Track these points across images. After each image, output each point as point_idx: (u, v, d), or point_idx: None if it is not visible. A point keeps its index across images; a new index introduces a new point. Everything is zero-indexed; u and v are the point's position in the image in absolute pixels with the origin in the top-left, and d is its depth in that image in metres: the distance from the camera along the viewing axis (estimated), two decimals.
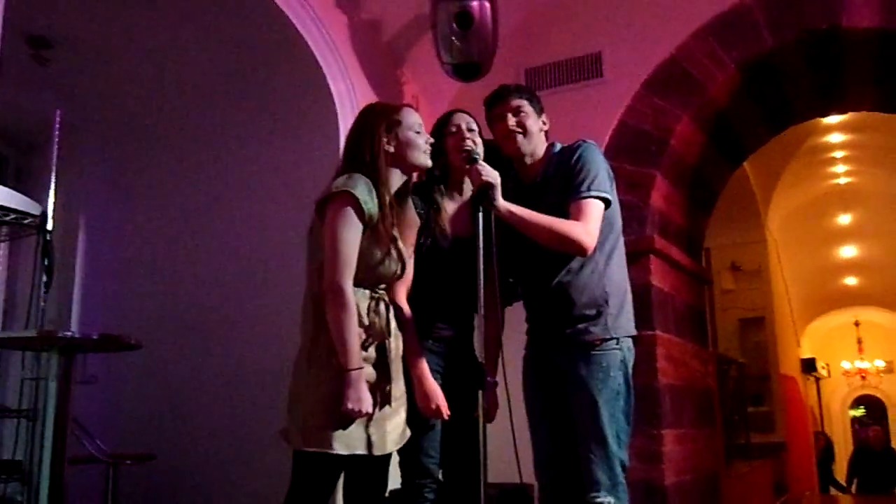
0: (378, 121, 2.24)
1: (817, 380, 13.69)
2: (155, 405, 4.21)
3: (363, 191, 2.09)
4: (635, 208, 4.15)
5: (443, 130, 2.50)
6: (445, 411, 2.27)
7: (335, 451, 2.01)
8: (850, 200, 9.95)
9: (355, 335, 2.04)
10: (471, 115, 2.54)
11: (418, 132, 2.24)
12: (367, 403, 2.02)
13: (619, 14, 4.41)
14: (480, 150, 2.41)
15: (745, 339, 8.84)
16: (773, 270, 9.00)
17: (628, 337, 2.45)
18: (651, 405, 3.94)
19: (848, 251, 11.64)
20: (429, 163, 2.27)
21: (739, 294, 8.82)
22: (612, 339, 2.39)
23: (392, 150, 2.21)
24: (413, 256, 2.36)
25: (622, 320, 2.44)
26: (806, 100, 4.91)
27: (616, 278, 2.47)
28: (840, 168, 9.02)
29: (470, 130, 2.48)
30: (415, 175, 2.35)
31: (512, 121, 2.50)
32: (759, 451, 7.64)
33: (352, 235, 2.07)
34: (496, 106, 2.55)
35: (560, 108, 3.95)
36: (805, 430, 10.73)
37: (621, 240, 2.55)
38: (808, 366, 12.03)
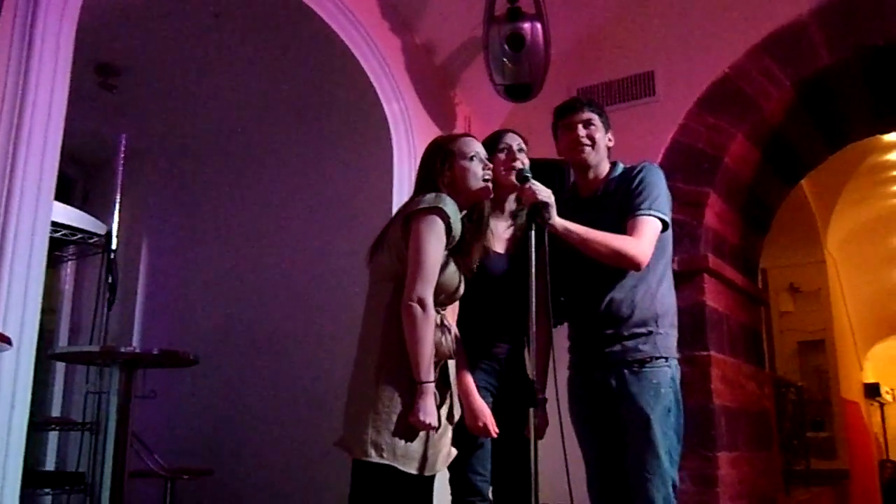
0: (436, 154, 2.31)
1: (882, 405, 13.23)
2: (212, 420, 4.29)
3: (452, 209, 2.14)
4: (689, 227, 4.11)
5: (492, 149, 2.53)
6: (493, 429, 2.27)
7: (403, 468, 2.04)
8: None
9: (431, 348, 2.07)
10: (520, 135, 2.57)
11: (472, 159, 2.26)
12: (435, 417, 2.04)
13: (671, 33, 4.39)
14: (526, 163, 2.44)
15: (804, 362, 8.64)
16: (833, 292, 8.77)
17: (675, 358, 2.46)
18: (705, 426, 3.87)
19: None
20: (487, 189, 2.29)
21: (798, 316, 8.63)
22: (661, 357, 2.40)
23: (451, 181, 2.25)
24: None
25: (671, 340, 2.46)
26: (864, 117, 4.81)
27: (667, 300, 2.48)
28: None
29: (520, 151, 2.50)
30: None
31: (582, 132, 2.52)
32: (820, 477, 7.41)
33: (438, 251, 2.11)
34: (567, 116, 2.57)
35: (613, 127, 3.97)
36: (869, 457, 10.37)
37: (671, 264, 2.56)
38: (872, 391, 11.65)
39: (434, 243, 2.10)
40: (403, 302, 2.07)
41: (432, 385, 2.05)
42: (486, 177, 2.28)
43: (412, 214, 2.15)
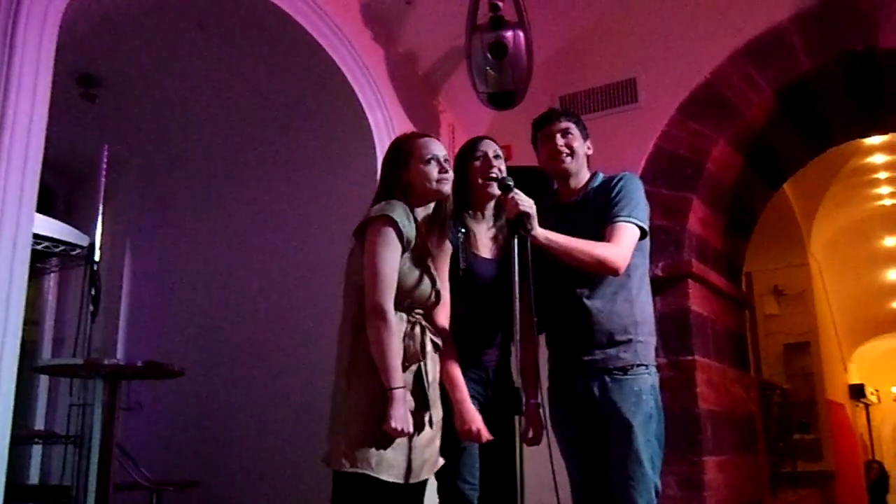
0: (392, 154, 2.33)
1: (867, 406, 13.33)
2: (197, 431, 4.26)
3: (401, 215, 2.14)
4: (672, 233, 4.14)
5: (468, 156, 2.54)
6: (486, 434, 2.26)
7: (374, 475, 2.03)
8: None
9: (398, 355, 2.07)
10: (496, 142, 2.58)
11: (429, 162, 2.25)
12: (409, 423, 2.04)
13: (652, 40, 4.42)
14: (503, 170, 2.45)
15: (789, 365, 8.70)
16: (817, 294, 8.84)
17: (654, 365, 2.49)
18: (691, 431, 3.89)
19: (895, 274, 11.39)
20: (444, 190, 2.27)
21: (783, 319, 8.69)
22: (642, 364, 2.43)
23: (407, 182, 2.26)
24: (448, 282, 2.38)
25: (650, 348, 2.49)
26: (845, 121, 4.86)
27: (646, 307, 2.51)
28: (884, 189, 8.88)
29: (496, 157, 2.51)
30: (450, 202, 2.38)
31: (560, 141, 2.55)
32: (807, 479, 7.46)
33: (392, 257, 2.12)
34: (544, 127, 2.60)
35: (595, 134, 3.91)
36: (855, 458, 10.45)
37: (647, 273, 2.59)
38: (857, 392, 11.74)
39: (385, 251, 2.11)
40: (365, 312, 2.09)
41: (402, 391, 2.05)
42: (442, 179, 2.25)
43: (363, 226, 2.17)
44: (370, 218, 2.16)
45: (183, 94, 4.26)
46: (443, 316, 2.34)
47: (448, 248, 2.38)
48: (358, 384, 2.10)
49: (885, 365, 15.19)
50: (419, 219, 2.26)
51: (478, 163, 2.50)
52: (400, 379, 2.06)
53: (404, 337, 2.14)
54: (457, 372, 2.32)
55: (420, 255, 2.22)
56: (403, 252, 2.15)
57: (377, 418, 2.03)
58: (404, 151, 2.29)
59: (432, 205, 2.30)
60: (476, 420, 2.26)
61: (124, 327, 4.71)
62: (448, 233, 2.37)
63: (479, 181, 2.47)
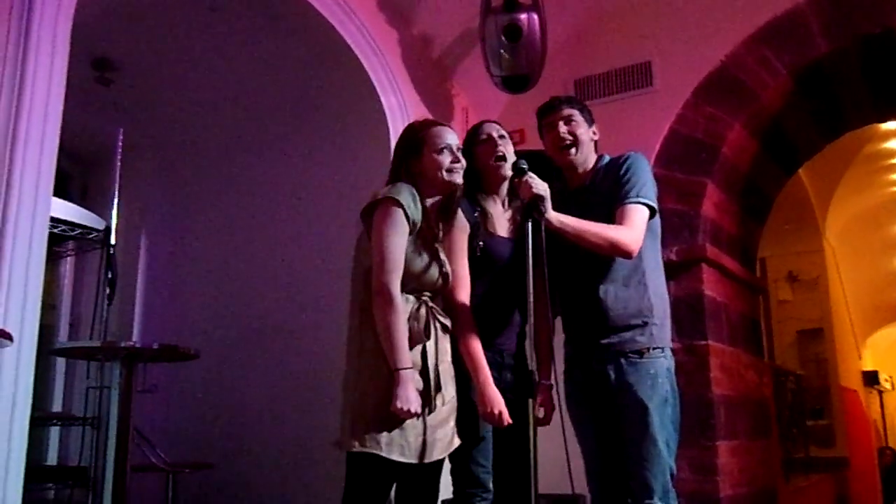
0: (405, 142, 2.33)
1: (881, 393, 13.27)
2: (213, 414, 4.30)
3: (407, 197, 2.15)
4: (686, 217, 4.12)
5: (473, 140, 2.54)
6: (507, 418, 2.25)
7: (383, 454, 2.04)
8: None
9: (404, 335, 2.08)
10: (499, 124, 2.58)
11: (442, 151, 2.26)
12: (415, 403, 2.05)
13: (668, 23, 4.39)
14: (511, 155, 2.46)
15: (803, 351, 8.65)
16: (831, 281, 8.79)
17: (670, 348, 2.48)
18: (705, 416, 3.89)
19: None
20: (456, 181, 2.27)
21: (797, 305, 8.64)
22: (658, 347, 2.42)
23: (419, 171, 2.26)
24: (467, 261, 2.38)
25: (666, 331, 2.48)
26: (862, 106, 4.81)
27: (660, 290, 2.50)
28: None
29: (501, 137, 2.52)
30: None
31: (563, 129, 2.53)
32: (820, 465, 7.44)
33: (399, 239, 2.12)
34: (547, 115, 2.59)
35: (610, 118, 3.95)
36: (868, 444, 10.41)
37: (660, 253, 2.58)
38: (871, 378, 11.68)
39: (391, 233, 2.12)
40: (372, 293, 2.10)
41: (409, 371, 2.06)
42: (454, 168, 2.26)
43: (370, 208, 2.18)
44: (377, 200, 2.16)
45: (197, 77, 4.27)
46: (463, 295, 2.34)
47: (465, 226, 2.38)
48: (366, 365, 2.12)
49: None
50: (428, 204, 2.26)
51: (484, 145, 2.50)
52: (406, 360, 2.07)
53: (409, 318, 2.14)
54: (479, 353, 2.31)
55: (427, 237, 2.23)
56: (410, 234, 2.16)
57: (385, 399, 2.04)
58: (418, 139, 2.30)
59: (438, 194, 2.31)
60: (498, 403, 2.25)
61: (140, 310, 4.74)
62: (455, 216, 2.37)
63: (491, 163, 2.47)
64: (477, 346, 2.32)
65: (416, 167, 2.26)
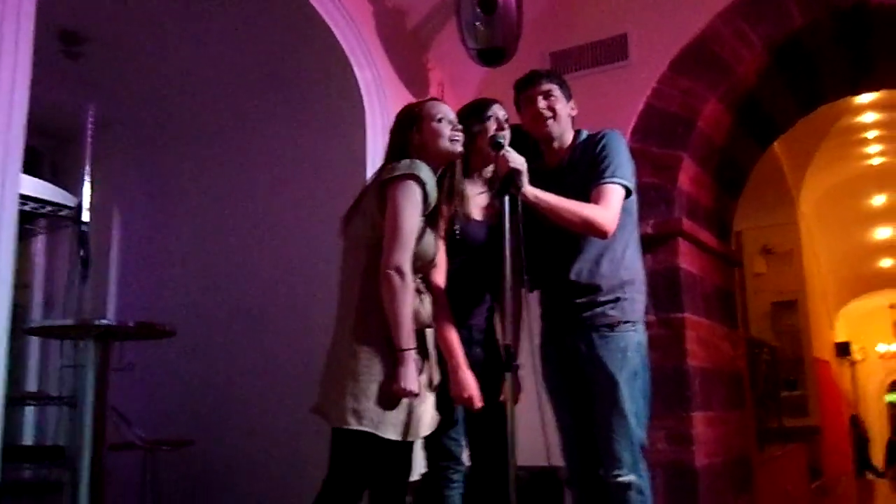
0: (403, 120, 2.32)
1: (852, 363, 13.52)
2: (191, 392, 4.28)
3: (428, 175, 2.15)
4: (663, 190, 4.13)
5: (479, 117, 2.51)
6: (478, 401, 2.28)
7: (383, 435, 2.05)
8: (885, 181, 9.80)
9: (411, 315, 2.07)
10: (503, 107, 2.56)
11: (441, 121, 2.26)
12: (416, 383, 2.06)
13: None
14: (507, 137, 2.43)
15: (777, 323, 8.78)
16: (805, 253, 8.90)
17: (643, 322, 2.50)
18: (680, 387, 3.94)
19: (883, 232, 11.47)
20: (457, 149, 2.28)
21: (771, 277, 8.75)
22: (629, 321, 2.44)
23: (420, 143, 2.25)
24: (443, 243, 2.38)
25: (638, 305, 2.49)
26: (836, 78, 4.84)
27: (634, 266, 2.51)
28: (873, 148, 8.89)
29: (506, 121, 2.51)
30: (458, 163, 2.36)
31: (542, 104, 2.53)
32: (793, 434, 7.59)
33: (416, 218, 2.12)
34: (527, 89, 2.58)
35: (586, 91, 3.91)
36: (839, 414, 10.62)
37: (638, 229, 2.59)
38: (843, 349, 11.90)
39: (410, 210, 2.10)
40: (381, 270, 2.07)
41: (413, 352, 2.06)
42: (455, 137, 2.27)
43: (387, 182, 2.14)
44: (396, 175, 2.13)
45: (168, 51, 4.19)
46: (440, 277, 2.36)
47: (451, 211, 2.38)
48: (366, 341, 2.10)
49: (871, 323, 15.37)
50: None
51: (490, 123, 2.47)
52: (412, 340, 2.07)
53: (415, 300, 2.14)
54: (454, 337, 2.33)
55: (432, 217, 2.23)
56: (424, 213, 2.15)
57: (385, 377, 2.05)
58: (415, 114, 2.30)
59: (441, 168, 2.30)
60: (471, 387, 2.28)
61: (115, 288, 4.70)
62: (455, 198, 2.37)
63: (486, 145, 2.42)
64: (452, 329, 2.34)
65: (418, 139, 2.26)
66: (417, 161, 2.17)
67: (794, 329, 8.67)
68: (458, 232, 2.42)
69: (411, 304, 2.08)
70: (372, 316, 2.10)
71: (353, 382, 2.07)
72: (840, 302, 12.12)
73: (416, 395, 2.07)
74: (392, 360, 2.05)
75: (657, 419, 3.67)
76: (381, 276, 2.07)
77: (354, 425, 2.04)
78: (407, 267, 2.07)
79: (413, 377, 2.05)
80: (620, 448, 2.34)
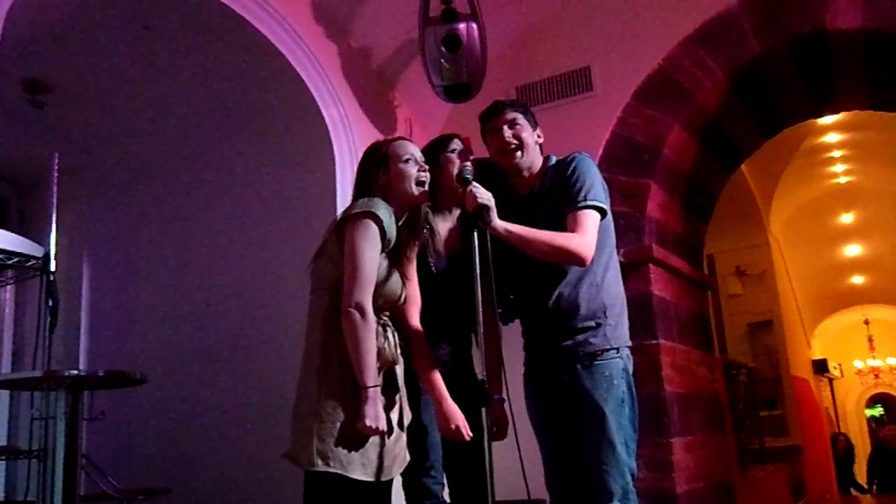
0: (370, 158, 2.31)
1: (830, 380, 13.60)
2: (165, 438, 4.22)
3: (384, 213, 2.14)
4: (632, 218, 4.17)
5: (441, 150, 2.53)
6: (466, 433, 2.24)
7: (352, 475, 2.02)
8: (852, 199, 9.96)
9: (374, 352, 2.06)
10: (464, 140, 2.58)
11: (407, 161, 2.26)
12: (382, 421, 2.03)
13: (606, 28, 4.45)
14: (471, 171, 2.44)
15: (754, 343, 8.83)
16: (778, 273, 8.99)
17: (627, 346, 2.47)
18: (658, 414, 3.94)
19: (853, 250, 11.62)
20: (423, 191, 2.27)
21: (746, 298, 8.81)
22: (612, 348, 2.42)
23: (386, 183, 2.25)
24: (416, 280, 2.37)
25: (620, 330, 2.47)
26: (798, 102, 4.94)
27: (613, 289, 2.49)
28: (839, 167, 9.03)
29: (467, 153, 2.52)
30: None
31: (508, 133, 2.52)
32: (775, 455, 7.59)
33: (374, 255, 2.10)
34: (491, 120, 2.58)
35: (552, 123, 3.97)
36: (820, 431, 10.65)
37: (615, 251, 2.57)
38: (820, 367, 11.97)
39: (368, 248, 2.09)
40: (342, 308, 2.06)
41: (377, 389, 2.04)
42: (422, 179, 2.27)
43: (345, 220, 2.15)
44: (353, 213, 2.13)
45: (133, 98, 4.19)
46: (416, 314, 2.34)
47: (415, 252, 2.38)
48: (331, 382, 2.08)
49: (847, 339, 15.52)
50: (401, 221, 2.26)
51: (453, 156, 2.49)
52: (375, 377, 2.05)
53: (378, 337, 2.12)
54: (435, 371, 2.31)
55: (394, 255, 2.22)
56: (382, 251, 2.14)
57: (350, 417, 2.02)
58: (381, 153, 2.29)
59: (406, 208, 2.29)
60: (458, 418, 2.25)
61: (85, 337, 4.63)
62: (421, 235, 2.37)
63: (452, 182, 2.43)
64: (433, 364, 2.32)
65: (383, 180, 2.25)
66: (375, 199, 2.16)
67: (771, 349, 8.71)
68: (433, 268, 2.42)
69: (373, 341, 2.07)
70: (335, 356, 2.08)
71: (319, 423, 2.05)
72: (815, 320, 12.23)
73: (383, 432, 2.05)
74: (356, 400, 2.02)
75: (637, 447, 3.67)
76: (342, 314, 2.06)
77: (321, 467, 2.02)
78: (367, 304, 2.06)
79: (378, 415, 2.02)
80: (611, 480, 2.31)
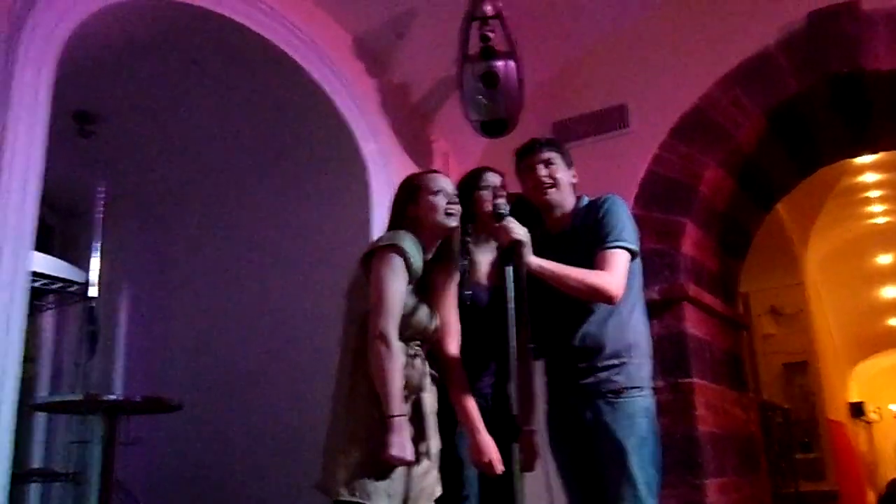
0: (402, 191, 2.39)
1: (868, 424, 13.29)
2: (198, 465, 4.24)
3: (410, 245, 2.18)
4: (667, 256, 4.16)
5: (475, 184, 2.57)
6: (499, 466, 2.25)
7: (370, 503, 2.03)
8: (889, 240, 9.79)
9: (399, 382, 2.08)
10: (500, 174, 2.61)
11: (437, 194, 2.31)
12: (409, 451, 2.05)
13: (642, 66, 4.48)
14: (506, 206, 2.47)
15: (789, 384, 8.67)
16: (814, 313, 8.86)
17: (650, 387, 2.48)
18: (692, 454, 3.88)
19: (891, 291, 11.41)
20: (452, 224, 2.31)
21: (781, 338, 8.68)
22: (636, 387, 2.42)
23: (416, 215, 2.30)
24: (457, 310, 2.40)
25: (645, 370, 2.48)
26: (835, 142, 4.91)
27: (639, 329, 2.51)
28: (877, 208, 8.91)
29: (502, 188, 2.55)
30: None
31: (543, 172, 2.56)
32: (810, 500, 7.42)
33: (399, 286, 2.14)
34: (527, 157, 2.61)
35: (588, 160, 4.00)
36: (857, 477, 10.39)
37: (643, 293, 2.59)
38: (857, 410, 11.72)
39: (392, 279, 2.14)
40: (369, 338, 2.10)
41: (403, 419, 2.06)
42: (451, 211, 2.30)
43: (371, 253, 2.20)
44: (378, 246, 2.19)
45: (178, 129, 4.29)
46: (454, 345, 2.37)
47: (456, 275, 2.41)
48: (357, 411, 2.12)
49: (885, 382, 15.17)
50: (432, 251, 2.30)
51: (486, 192, 2.53)
52: (401, 407, 2.07)
53: (406, 366, 2.15)
54: (470, 402, 2.33)
55: (423, 286, 2.25)
56: (409, 282, 2.17)
57: (376, 446, 2.04)
58: (413, 185, 2.36)
59: (439, 239, 2.33)
60: (491, 451, 2.26)
61: (123, 362, 4.70)
62: (455, 267, 2.39)
63: (485, 212, 2.48)
64: (468, 395, 2.33)
65: (414, 211, 2.30)
66: (401, 232, 2.22)
67: (807, 390, 8.54)
68: (468, 298, 2.44)
69: (399, 370, 2.09)
70: (363, 387, 2.12)
71: (345, 453, 2.08)
72: (852, 362, 12.00)
73: (410, 462, 2.06)
74: (382, 429, 2.04)
75: (670, 487, 3.61)
76: (369, 344, 2.10)
77: (346, 496, 2.04)
78: (392, 333, 2.09)
79: (404, 444, 2.04)
80: None
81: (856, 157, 5.85)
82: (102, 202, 3.62)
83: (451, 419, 2.33)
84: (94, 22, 3.03)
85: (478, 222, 2.54)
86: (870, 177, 7.90)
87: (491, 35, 3.86)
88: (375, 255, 2.18)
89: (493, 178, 2.59)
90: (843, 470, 8.76)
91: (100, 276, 3.61)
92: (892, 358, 14.07)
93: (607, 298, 2.37)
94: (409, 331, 2.19)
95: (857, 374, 12.59)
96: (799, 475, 7.42)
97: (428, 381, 2.24)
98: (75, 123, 4.11)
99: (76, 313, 4.09)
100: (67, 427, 3.97)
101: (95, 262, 3.57)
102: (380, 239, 2.23)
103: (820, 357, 8.72)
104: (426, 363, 2.24)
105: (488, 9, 3.82)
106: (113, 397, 3.37)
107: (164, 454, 4.28)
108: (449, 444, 2.30)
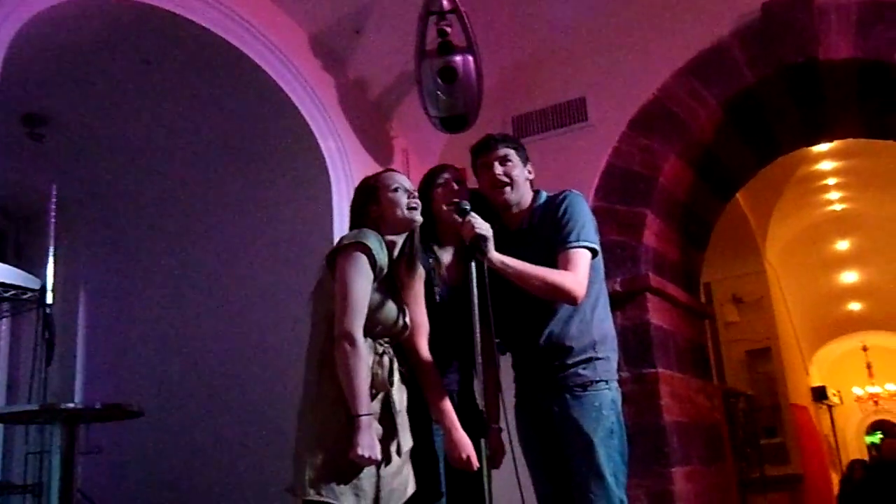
0: (360, 194, 2.37)
1: (830, 407, 13.53)
2: (161, 472, 4.18)
3: (374, 243, 2.17)
4: (628, 248, 4.18)
5: (431, 183, 2.55)
6: (475, 462, 2.25)
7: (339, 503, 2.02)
8: (847, 226, 9.97)
9: (365, 381, 2.07)
10: (458, 169, 2.60)
11: (396, 190, 2.30)
12: (376, 450, 2.04)
13: (601, 59, 4.50)
14: (467, 203, 2.46)
15: (753, 371, 8.78)
16: (775, 300, 8.99)
17: (615, 380, 2.49)
18: (658, 443, 3.92)
19: (849, 276, 11.63)
20: (416, 217, 2.31)
21: (744, 326, 8.79)
22: (602, 380, 2.43)
23: (378, 214, 2.29)
24: (425, 308, 2.39)
25: (610, 364, 2.49)
26: (791, 131, 4.98)
27: (603, 325, 2.51)
28: (834, 195, 9.07)
29: (459, 183, 2.53)
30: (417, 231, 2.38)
31: (499, 169, 2.54)
32: (776, 483, 7.53)
33: (364, 284, 2.13)
34: (483, 155, 2.59)
35: (548, 153, 4.03)
36: (821, 460, 10.58)
37: (605, 287, 2.59)
38: (819, 394, 11.91)
39: (357, 278, 2.12)
40: (334, 337, 2.09)
41: (369, 418, 2.05)
42: (412, 205, 2.30)
43: (335, 253, 2.18)
44: (343, 245, 2.17)
45: (131, 130, 4.21)
46: (424, 342, 2.36)
47: (422, 273, 2.40)
48: (324, 411, 2.10)
49: (845, 366, 15.46)
50: (397, 250, 2.29)
51: (440, 189, 2.51)
52: (367, 406, 2.06)
53: (372, 364, 2.14)
54: (445, 399, 2.32)
55: (390, 283, 2.25)
56: (375, 280, 2.16)
57: (344, 446, 2.02)
58: (371, 186, 2.35)
59: (402, 236, 2.32)
60: (468, 447, 2.26)
61: (82, 370, 4.61)
62: (417, 263, 2.38)
63: (444, 207, 2.47)
64: (442, 392, 2.33)
65: (376, 211, 2.30)
66: (365, 230, 2.21)
67: (770, 376, 8.67)
68: (438, 296, 2.43)
69: (365, 369, 2.08)
70: (329, 387, 2.10)
71: (313, 453, 2.07)
72: (813, 347, 12.21)
73: (377, 461, 2.04)
74: (350, 428, 2.02)
75: (636, 477, 3.64)
76: (335, 344, 2.08)
77: (314, 496, 2.02)
78: (357, 332, 2.08)
79: (372, 444, 2.03)
80: None
81: (813, 145, 5.93)
82: (55, 206, 3.53)
83: (423, 416, 2.32)
84: (39, 22, 2.96)
85: (438, 221, 2.52)
86: (826, 164, 8.03)
87: (448, 30, 3.85)
88: (340, 254, 2.17)
89: (449, 173, 2.58)
90: (807, 453, 8.90)
91: (55, 282, 3.52)
92: (852, 342, 14.36)
93: (571, 299, 2.37)
94: (377, 328, 2.18)
95: (818, 359, 12.81)
96: (764, 460, 7.54)
97: (397, 378, 2.22)
98: (25, 127, 4.01)
99: (31, 321, 3.99)
100: (25, 437, 3.87)
101: (50, 268, 3.47)
102: (344, 237, 2.21)
103: (782, 343, 8.86)
104: (395, 361, 2.23)
105: (445, 3, 3.79)
106: (71, 405, 3.29)
107: (127, 462, 4.22)
108: (423, 440, 2.28)
